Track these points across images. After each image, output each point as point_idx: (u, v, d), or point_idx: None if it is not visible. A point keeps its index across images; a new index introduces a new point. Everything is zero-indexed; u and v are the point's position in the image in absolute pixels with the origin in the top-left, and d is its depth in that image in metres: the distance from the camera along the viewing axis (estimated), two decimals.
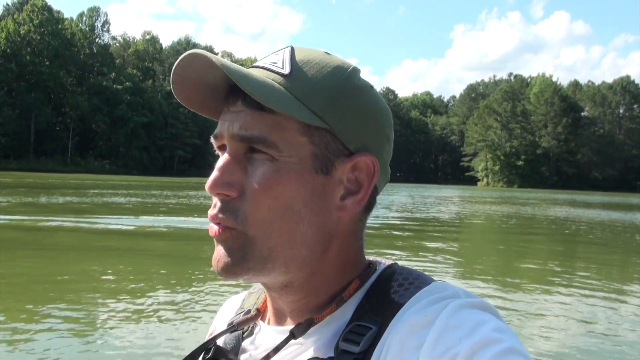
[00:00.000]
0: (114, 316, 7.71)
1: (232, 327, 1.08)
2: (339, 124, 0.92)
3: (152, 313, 7.90)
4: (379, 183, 0.98)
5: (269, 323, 1.06)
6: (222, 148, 0.97)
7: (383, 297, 0.93)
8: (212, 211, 0.93)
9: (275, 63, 0.93)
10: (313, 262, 0.95)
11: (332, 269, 0.97)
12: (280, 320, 1.03)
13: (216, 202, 0.93)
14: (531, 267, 13.91)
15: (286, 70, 0.92)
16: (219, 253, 0.93)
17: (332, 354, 0.89)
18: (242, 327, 1.09)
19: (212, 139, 0.98)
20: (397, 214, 28.78)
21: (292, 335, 0.95)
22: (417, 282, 0.94)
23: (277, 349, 0.96)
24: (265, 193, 0.90)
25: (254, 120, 0.90)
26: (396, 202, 41.72)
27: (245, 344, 1.06)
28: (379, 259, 1.06)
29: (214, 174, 0.92)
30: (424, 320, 0.83)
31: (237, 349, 1.06)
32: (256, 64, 0.97)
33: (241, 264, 0.91)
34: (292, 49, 0.96)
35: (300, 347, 0.95)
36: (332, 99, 0.92)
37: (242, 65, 0.92)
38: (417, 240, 18.42)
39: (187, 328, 7.30)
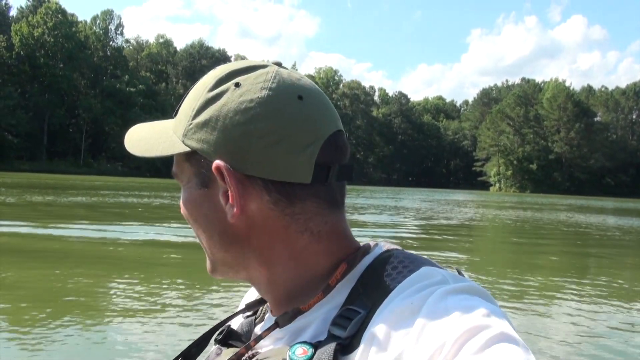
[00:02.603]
0: (125, 317, 7.75)
1: (242, 310, 1.17)
2: (194, 143, 0.98)
3: (164, 314, 7.94)
4: (284, 173, 0.95)
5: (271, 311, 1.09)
6: None
7: (376, 281, 0.93)
8: None
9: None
10: (239, 261, 1.02)
11: (281, 264, 1.00)
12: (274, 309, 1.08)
13: None
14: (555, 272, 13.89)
15: (175, 113, 1.04)
16: None
17: (321, 339, 0.90)
18: (252, 309, 1.16)
19: None
20: (425, 222, 28.68)
21: (277, 324, 0.97)
22: (411, 265, 0.93)
23: (258, 338, 0.99)
24: (185, 214, 1.04)
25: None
26: (410, 207, 41.63)
27: (257, 329, 1.11)
28: (381, 242, 1.06)
29: None
30: (411, 308, 0.83)
31: (249, 335, 1.11)
32: None
33: (210, 267, 1.07)
34: (202, 79, 1.03)
35: (288, 335, 0.97)
36: (188, 123, 0.99)
37: None
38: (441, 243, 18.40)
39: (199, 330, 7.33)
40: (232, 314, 1.18)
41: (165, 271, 10.94)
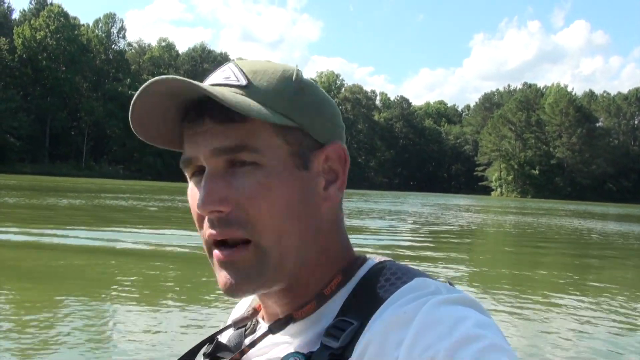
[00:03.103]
0: (127, 324, 7.74)
1: (231, 325, 1.12)
2: (305, 120, 0.95)
3: (164, 325, 7.93)
4: None
5: (265, 321, 1.06)
6: (196, 174, 0.98)
7: (369, 293, 0.93)
8: (210, 230, 0.94)
9: (228, 77, 0.96)
10: (312, 258, 0.97)
11: (323, 262, 0.98)
12: (272, 317, 1.03)
13: (210, 222, 0.94)
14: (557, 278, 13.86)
15: (242, 81, 0.94)
16: (229, 275, 0.93)
17: (314, 349, 0.89)
18: (240, 325, 1.11)
19: (182, 166, 1.00)
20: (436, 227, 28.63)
21: (270, 331, 0.96)
22: (404, 277, 0.93)
23: (252, 345, 0.97)
24: (263, 200, 0.91)
25: (228, 132, 0.92)
26: (411, 212, 41.60)
27: (247, 341, 1.08)
28: (372, 255, 1.06)
29: (203, 193, 0.92)
30: (404, 317, 0.83)
31: (239, 346, 1.07)
32: (208, 82, 0.98)
33: (258, 279, 0.93)
34: (235, 63, 0.99)
35: (280, 344, 0.96)
36: (293, 99, 0.95)
37: None
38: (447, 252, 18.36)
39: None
40: (219, 329, 1.14)
41: (165, 282, 10.91)
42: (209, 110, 0.92)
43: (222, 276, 0.94)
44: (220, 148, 0.92)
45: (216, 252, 0.94)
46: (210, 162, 0.93)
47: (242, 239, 0.92)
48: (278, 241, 0.92)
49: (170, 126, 1.00)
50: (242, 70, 0.96)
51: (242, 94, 0.93)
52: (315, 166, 0.96)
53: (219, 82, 0.96)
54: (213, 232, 0.93)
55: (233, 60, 1.00)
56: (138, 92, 0.94)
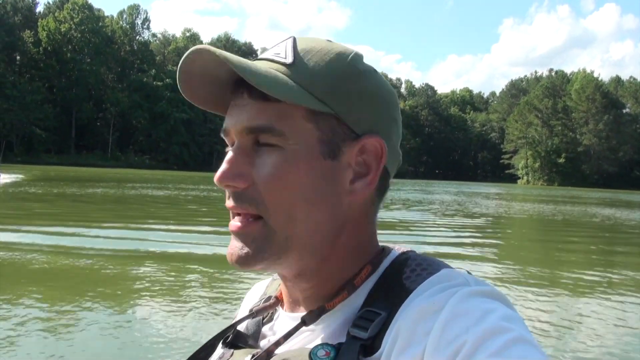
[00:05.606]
0: (152, 311, 7.66)
1: (251, 314, 1.11)
2: (343, 108, 0.93)
3: (189, 308, 7.84)
4: (389, 165, 0.99)
5: (285, 309, 1.07)
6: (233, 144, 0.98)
7: (395, 283, 0.93)
8: (227, 202, 0.95)
9: (279, 54, 0.94)
10: (325, 248, 0.96)
11: (344, 255, 0.98)
12: (294, 306, 1.04)
13: (228, 195, 0.95)
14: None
15: (289, 59, 0.92)
16: (236, 245, 0.94)
17: (342, 340, 0.89)
18: (260, 314, 1.11)
19: (222, 136, 1.00)
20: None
21: (303, 322, 0.96)
22: (430, 268, 0.94)
23: (287, 336, 0.97)
24: (277, 182, 0.90)
25: (260, 111, 0.91)
26: (437, 200, 41.38)
27: (265, 329, 1.09)
28: (394, 245, 1.06)
29: (223, 166, 0.93)
30: (432, 307, 0.83)
31: (257, 335, 1.08)
32: (260, 56, 0.97)
33: (257, 254, 0.92)
34: (294, 39, 0.96)
35: (311, 334, 0.96)
36: (335, 84, 0.93)
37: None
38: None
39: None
40: (238, 319, 1.13)
41: (192, 273, 10.85)
42: (247, 84, 0.90)
43: (231, 245, 0.95)
44: (248, 127, 0.92)
45: (231, 222, 0.96)
46: (239, 137, 0.94)
47: (253, 214, 0.92)
48: (286, 224, 0.92)
49: (222, 91, 0.99)
50: (294, 48, 0.94)
51: (283, 72, 0.91)
52: (347, 157, 0.94)
53: (268, 57, 0.96)
54: (230, 203, 0.95)
55: (293, 36, 0.98)
56: (181, 60, 0.93)
